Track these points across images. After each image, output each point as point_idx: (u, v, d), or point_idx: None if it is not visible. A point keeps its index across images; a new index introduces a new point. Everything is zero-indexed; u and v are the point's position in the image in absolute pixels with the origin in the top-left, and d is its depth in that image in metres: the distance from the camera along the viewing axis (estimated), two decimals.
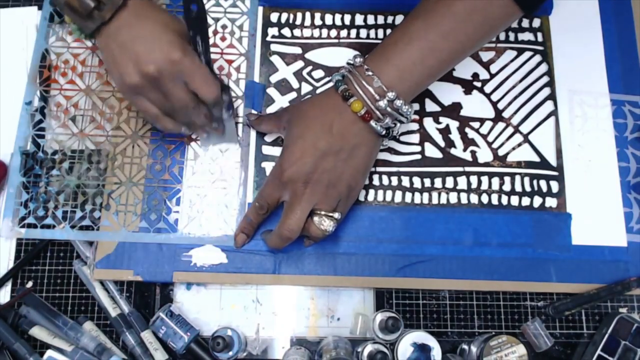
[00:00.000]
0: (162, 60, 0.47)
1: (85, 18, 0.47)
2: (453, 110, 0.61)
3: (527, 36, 0.63)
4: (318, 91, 0.60)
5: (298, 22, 0.62)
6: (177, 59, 0.47)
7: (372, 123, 0.49)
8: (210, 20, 0.62)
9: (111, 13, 0.47)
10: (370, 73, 0.48)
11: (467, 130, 0.60)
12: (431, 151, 0.59)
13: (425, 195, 0.58)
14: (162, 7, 0.52)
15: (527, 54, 0.62)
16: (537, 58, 0.62)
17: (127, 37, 0.47)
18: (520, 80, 0.62)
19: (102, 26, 0.48)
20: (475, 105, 0.61)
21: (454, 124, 0.60)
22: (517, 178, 0.59)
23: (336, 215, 0.51)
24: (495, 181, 0.59)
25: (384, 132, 0.50)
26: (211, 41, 0.61)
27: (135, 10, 0.48)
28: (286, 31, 0.62)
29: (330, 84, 0.51)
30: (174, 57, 0.47)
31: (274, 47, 0.62)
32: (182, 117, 0.53)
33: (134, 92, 0.50)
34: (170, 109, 0.51)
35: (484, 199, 0.58)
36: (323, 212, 0.50)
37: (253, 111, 0.59)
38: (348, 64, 0.51)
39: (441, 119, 0.60)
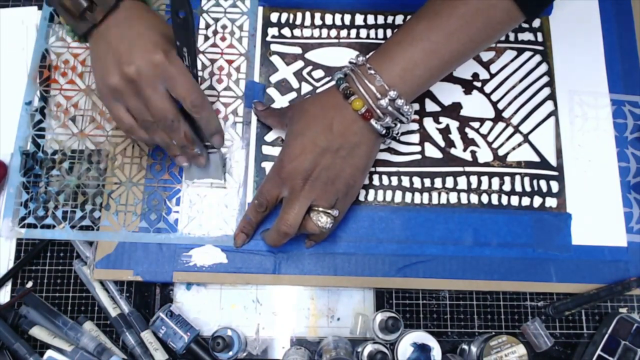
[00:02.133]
0: (142, 61, 0.45)
1: (78, 19, 0.47)
2: (453, 110, 0.61)
3: (527, 36, 0.63)
4: (318, 91, 0.60)
5: (298, 22, 0.62)
6: (159, 61, 0.46)
7: (373, 122, 0.49)
8: (210, 20, 0.62)
9: (102, 14, 0.47)
10: (372, 72, 0.48)
11: (467, 130, 0.60)
12: (431, 151, 0.59)
13: (425, 195, 0.58)
14: (150, 9, 0.51)
15: (527, 54, 0.62)
16: (537, 58, 0.62)
17: (114, 36, 0.47)
18: (520, 80, 0.62)
19: (93, 28, 0.48)
20: (475, 105, 0.61)
21: (454, 124, 0.60)
22: (517, 178, 0.59)
23: (334, 212, 0.51)
24: (495, 181, 0.59)
25: (384, 132, 0.50)
26: (211, 41, 0.61)
27: (127, 12, 0.47)
28: (286, 31, 0.62)
29: (332, 83, 0.51)
30: (156, 58, 0.46)
31: (274, 47, 0.62)
32: (159, 133, 0.49)
33: (113, 95, 0.48)
34: (148, 121, 0.48)
35: (484, 199, 0.58)
36: (321, 209, 0.50)
37: (255, 103, 0.59)
38: (350, 62, 0.51)
39: (441, 119, 0.60)
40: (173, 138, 0.50)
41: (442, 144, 0.60)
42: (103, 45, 0.47)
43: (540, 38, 0.63)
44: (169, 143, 0.51)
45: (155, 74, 0.46)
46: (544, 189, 0.59)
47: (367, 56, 0.50)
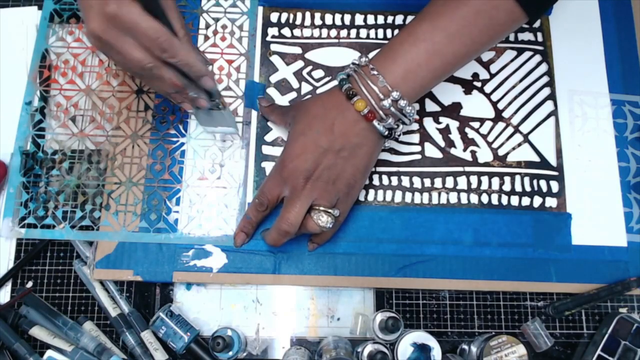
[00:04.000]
0: (99, 18, 0.43)
1: None
2: (453, 110, 0.61)
3: (527, 36, 0.63)
4: (318, 91, 0.60)
5: (298, 22, 0.62)
6: (112, 12, 0.43)
7: (375, 123, 0.49)
8: (210, 20, 0.62)
9: None
10: (375, 72, 0.48)
11: (467, 130, 0.60)
12: (431, 151, 0.59)
13: (425, 195, 0.58)
14: None
15: (527, 54, 0.62)
16: (537, 58, 0.62)
17: None
18: (520, 80, 0.62)
19: None
20: (475, 105, 0.61)
21: (454, 124, 0.60)
22: (517, 178, 0.59)
23: (335, 211, 0.51)
24: (495, 181, 0.59)
25: (386, 133, 0.50)
26: (211, 41, 0.61)
27: None
28: (286, 31, 0.62)
29: (333, 83, 0.51)
30: (109, 10, 0.43)
31: (274, 47, 0.62)
32: (149, 82, 0.48)
33: (97, 48, 0.46)
34: (132, 71, 0.46)
35: (484, 199, 0.58)
36: (322, 208, 0.51)
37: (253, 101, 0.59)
38: (353, 63, 0.51)
39: (441, 118, 0.60)
40: (162, 86, 0.48)
41: (442, 144, 0.60)
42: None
43: (540, 38, 0.63)
44: (165, 92, 0.50)
45: (114, 26, 0.44)
46: (544, 189, 0.59)
47: (370, 57, 0.50)
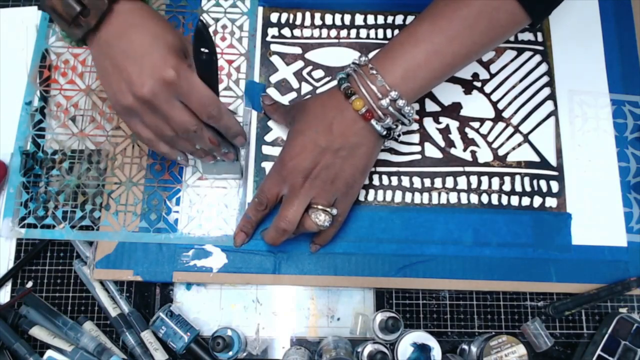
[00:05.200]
0: (153, 81, 0.44)
1: (71, 24, 0.45)
2: (453, 110, 0.61)
3: (527, 36, 0.63)
4: (318, 91, 0.60)
5: (298, 22, 0.62)
6: (171, 79, 0.44)
7: (373, 122, 0.49)
8: (210, 21, 0.62)
9: (97, 19, 0.44)
10: (374, 72, 0.48)
11: (467, 130, 0.60)
12: (431, 151, 0.59)
13: (425, 195, 0.58)
14: (153, 12, 0.47)
15: (527, 54, 0.62)
16: (537, 58, 0.62)
17: (117, 51, 0.45)
18: (520, 80, 0.62)
19: (89, 33, 0.45)
20: (475, 105, 0.61)
21: (454, 124, 0.60)
22: (517, 178, 0.59)
23: (333, 210, 0.51)
24: (495, 181, 0.59)
25: (384, 133, 0.50)
26: None
27: (125, 17, 0.45)
28: (286, 31, 0.62)
29: (333, 83, 0.51)
30: (167, 76, 0.44)
31: (274, 47, 0.62)
32: (184, 143, 0.49)
33: (128, 113, 0.47)
34: (168, 135, 0.48)
35: (484, 199, 0.58)
36: (320, 207, 0.51)
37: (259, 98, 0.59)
38: (354, 63, 0.51)
39: (441, 118, 0.60)
40: (198, 144, 0.50)
41: (442, 144, 0.60)
42: (107, 62, 0.45)
43: (540, 38, 0.63)
44: (193, 150, 0.51)
45: (168, 92, 0.45)
46: (544, 189, 0.59)
47: (370, 57, 0.50)
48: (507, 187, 0.59)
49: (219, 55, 0.61)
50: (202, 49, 0.44)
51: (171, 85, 0.44)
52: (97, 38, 0.46)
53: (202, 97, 0.46)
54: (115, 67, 0.45)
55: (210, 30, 0.61)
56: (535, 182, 0.59)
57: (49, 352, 0.51)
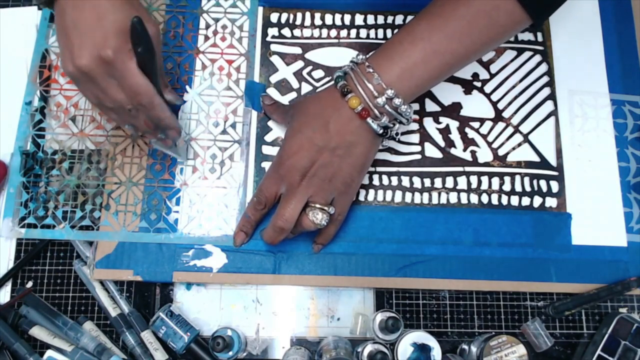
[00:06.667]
0: (91, 58, 0.45)
1: None
2: (453, 110, 0.61)
3: (527, 36, 0.63)
4: (318, 91, 0.60)
5: (298, 22, 0.62)
6: (108, 58, 0.44)
7: (369, 121, 0.49)
8: (210, 21, 0.62)
9: None
10: (370, 70, 0.48)
11: (467, 130, 0.60)
12: (431, 151, 0.59)
13: (425, 195, 0.58)
14: None
15: (527, 54, 0.62)
16: (537, 58, 0.62)
17: (68, 20, 0.45)
18: (520, 80, 0.62)
19: None
20: (475, 105, 0.61)
21: (454, 124, 0.60)
22: (517, 178, 0.59)
23: (330, 209, 0.51)
24: (495, 181, 0.59)
25: (381, 131, 0.50)
26: (211, 41, 0.61)
27: None
28: (286, 31, 0.62)
29: (332, 82, 0.52)
30: (104, 55, 0.44)
31: (274, 47, 0.62)
32: (122, 117, 0.50)
33: (73, 79, 0.47)
34: (109, 107, 0.48)
35: (484, 199, 0.58)
36: (317, 205, 0.51)
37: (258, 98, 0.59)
38: (351, 61, 0.51)
39: (441, 118, 0.60)
40: (134, 123, 0.50)
41: (442, 144, 0.60)
42: (60, 27, 0.46)
43: (540, 38, 0.63)
44: (135, 123, 0.50)
45: (103, 69, 0.45)
46: (544, 189, 0.59)
47: (368, 55, 0.50)
48: (507, 187, 0.59)
49: (218, 55, 0.61)
50: (136, 46, 0.45)
51: (107, 64, 0.45)
52: (57, 3, 0.47)
53: (133, 84, 0.46)
54: (64, 35, 0.46)
55: (210, 30, 0.61)
56: (535, 182, 0.59)
57: (49, 352, 0.51)
